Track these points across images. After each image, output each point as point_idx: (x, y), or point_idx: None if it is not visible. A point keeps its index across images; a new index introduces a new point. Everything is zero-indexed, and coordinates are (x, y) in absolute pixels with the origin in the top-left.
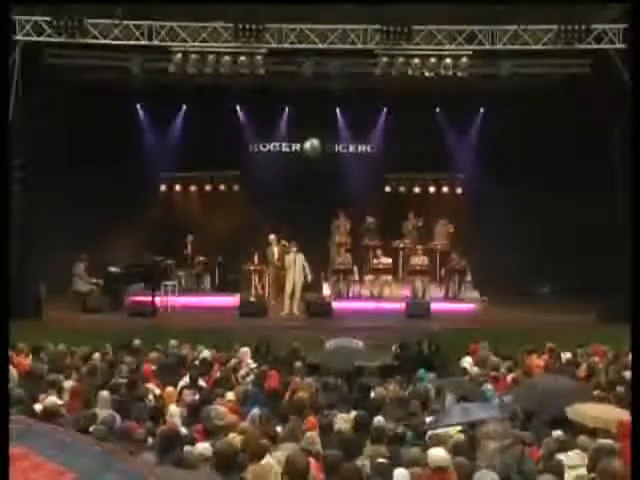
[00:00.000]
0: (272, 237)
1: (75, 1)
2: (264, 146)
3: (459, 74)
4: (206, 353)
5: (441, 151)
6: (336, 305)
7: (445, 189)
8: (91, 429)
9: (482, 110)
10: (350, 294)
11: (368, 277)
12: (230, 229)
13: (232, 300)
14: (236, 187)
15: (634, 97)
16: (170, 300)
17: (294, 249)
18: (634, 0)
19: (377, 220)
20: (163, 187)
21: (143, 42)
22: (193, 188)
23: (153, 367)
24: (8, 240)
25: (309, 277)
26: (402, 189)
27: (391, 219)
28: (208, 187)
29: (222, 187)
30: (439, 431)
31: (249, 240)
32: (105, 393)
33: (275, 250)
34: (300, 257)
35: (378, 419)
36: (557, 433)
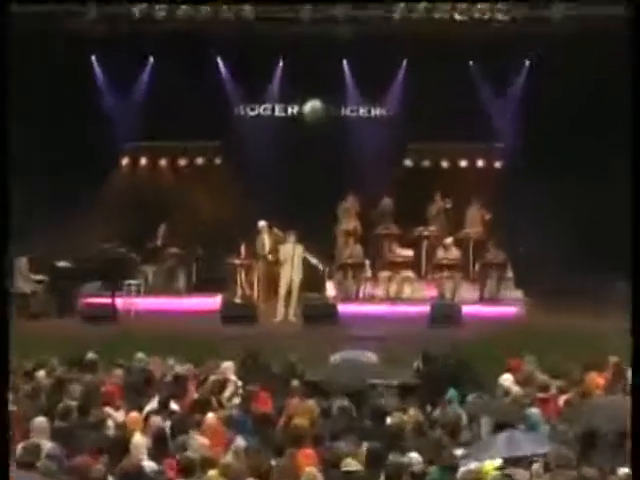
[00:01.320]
0: (263, 224)
1: None
2: (252, 109)
3: (498, 17)
4: (180, 369)
5: (475, 115)
6: (343, 309)
7: (480, 163)
8: (38, 464)
9: (527, 63)
10: (360, 295)
11: (383, 273)
12: (210, 213)
13: (213, 302)
14: (218, 160)
15: (634, 97)
16: (135, 302)
17: (291, 239)
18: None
19: (395, 202)
20: (125, 160)
21: None
22: (163, 162)
23: (113, 387)
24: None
25: (320, 267)
26: (426, 163)
27: (412, 201)
28: (182, 161)
29: (200, 160)
30: (473, 467)
31: (234, 227)
32: (41, 419)
33: (267, 240)
34: (298, 249)
35: (395, 453)
36: (624, 471)
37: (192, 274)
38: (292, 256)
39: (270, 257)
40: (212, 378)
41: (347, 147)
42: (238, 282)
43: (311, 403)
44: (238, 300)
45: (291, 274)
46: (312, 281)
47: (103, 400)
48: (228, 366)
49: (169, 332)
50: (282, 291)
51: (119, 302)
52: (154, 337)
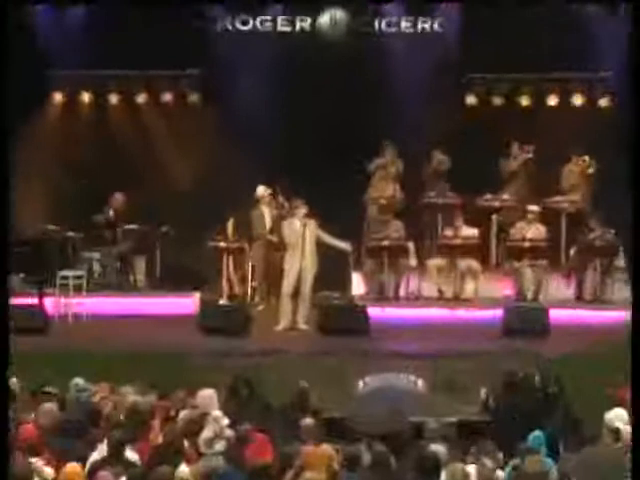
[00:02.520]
0: (261, 190)
1: None
2: (244, 23)
3: None
4: (139, 401)
5: (570, 33)
6: (376, 313)
7: (577, 100)
8: None
9: None
10: (401, 293)
11: (434, 262)
12: (183, 175)
13: (187, 304)
14: (193, 97)
15: (634, 95)
16: (73, 304)
17: (300, 212)
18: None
19: (452, 157)
20: (58, 97)
21: None
22: (114, 99)
23: (41, 427)
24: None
25: (346, 248)
26: (497, 100)
27: (477, 154)
28: (142, 97)
29: (168, 97)
30: None
31: (218, 195)
32: None
33: (267, 213)
34: (311, 226)
35: None
36: None
37: (156, 263)
38: (302, 237)
39: (272, 237)
40: (185, 414)
41: (382, 78)
42: (224, 274)
43: (330, 450)
44: (223, 301)
45: (301, 262)
46: (331, 273)
47: (25, 446)
48: (209, 396)
49: (123, 347)
50: (288, 287)
51: (50, 303)
52: (101, 355)
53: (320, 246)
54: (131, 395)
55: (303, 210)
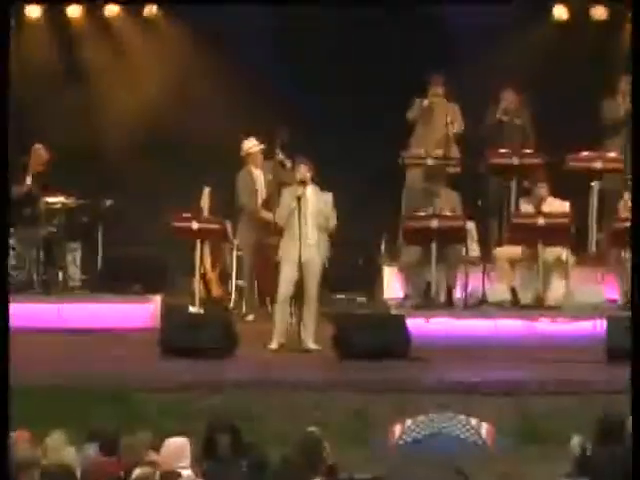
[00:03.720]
0: (251, 144)
1: None
2: None
3: None
4: (72, 456)
5: None
6: (418, 326)
7: None
8: None
9: None
10: (456, 296)
11: (505, 251)
12: (137, 121)
13: (142, 312)
14: (152, 9)
15: (634, 95)
16: None
17: (304, 175)
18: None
19: (530, 99)
20: None
21: None
22: (36, 13)
23: None
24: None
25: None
26: (599, 12)
27: (567, 94)
28: (76, 10)
29: (109, 12)
30: None
31: (188, 152)
32: None
33: (259, 178)
34: (319, 198)
35: None
36: None
37: (97, 252)
38: (300, 213)
39: (266, 215)
40: (141, 474)
41: None
42: (196, 269)
43: None
44: (196, 308)
45: (300, 251)
46: (351, 267)
47: None
48: (176, 449)
49: (49, 378)
50: (285, 288)
51: None
52: (17, 388)
53: (329, 227)
54: (61, 447)
55: (306, 174)
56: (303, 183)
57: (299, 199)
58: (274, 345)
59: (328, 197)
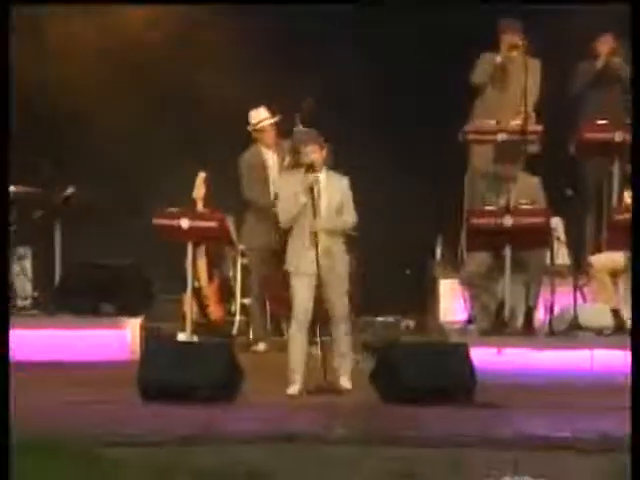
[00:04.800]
0: (261, 116)
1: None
2: None
3: None
4: None
5: None
6: (486, 358)
7: None
8: None
9: None
10: (538, 319)
11: (605, 259)
12: (103, 85)
13: (114, 339)
14: None
15: (634, 95)
16: None
17: (315, 157)
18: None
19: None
20: None
21: None
22: None
23: None
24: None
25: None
26: None
27: None
28: None
29: None
30: None
31: (176, 127)
32: None
33: (271, 161)
34: (338, 184)
35: None
36: None
37: (55, 259)
38: (319, 208)
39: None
40: None
41: None
42: (188, 282)
43: None
44: (186, 334)
45: (322, 259)
46: (393, 280)
47: None
48: None
49: None
50: (302, 308)
51: None
52: None
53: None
54: None
55: (317, 155)
56: (313, 168)
57: (311, 190)
58: (293, 389)
59: (344, 183)
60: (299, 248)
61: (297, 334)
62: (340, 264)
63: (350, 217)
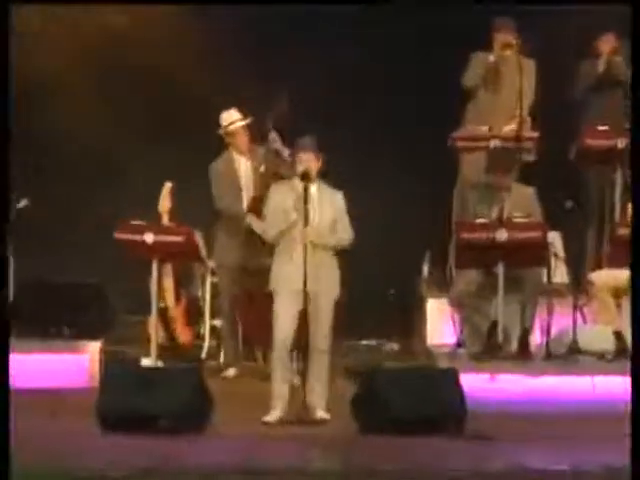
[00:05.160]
0: (232, 118)
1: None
2: None
3: None
4: None
5: None
6: (478, 385)
7: None
8: None
9: None
10: (534, 342)
11: (607, 276)
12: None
13: (73, 365)
14: None
15: (633, 96)
16: None
17: (309, 167)
18: (633, 1)
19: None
20: None
21: None
22: None
23: None
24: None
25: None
26: None
27: None
28: None
29: None
30: None
31: (139, 129)
32: None
33: (244, 167)
34: (331, 198)
35: None
36: None
37: (8, 278)
38: (310, 222)
39: (255, 223)
40: None
41: None
42: (153, 303)
43: None
44: (150, 359)
45: (309, 278)
46: (378, 299)
47: None
48: None
49: None
50: (283, 331)
51: None
52: None
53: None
54: None
55: (311, 164)
56: (307, 178)
57: (305, 201)
58: (272, 417)
59: (337, 197)
60: (284, 265)
61: (278, 359)
62: (330, 285)
63: (346, 234)
